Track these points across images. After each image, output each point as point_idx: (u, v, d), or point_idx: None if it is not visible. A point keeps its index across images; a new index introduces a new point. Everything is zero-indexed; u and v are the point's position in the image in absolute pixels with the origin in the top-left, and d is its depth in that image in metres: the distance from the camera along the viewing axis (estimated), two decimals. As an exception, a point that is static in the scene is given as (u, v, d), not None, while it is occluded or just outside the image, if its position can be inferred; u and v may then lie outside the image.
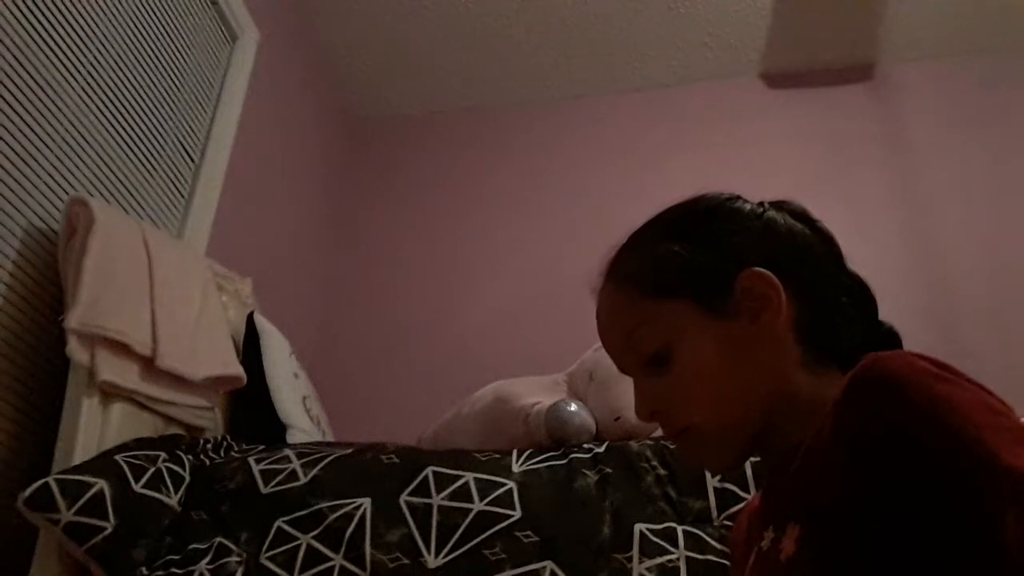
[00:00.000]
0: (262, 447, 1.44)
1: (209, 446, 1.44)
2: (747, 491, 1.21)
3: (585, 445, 1.37)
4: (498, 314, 2.64)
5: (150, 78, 1.93)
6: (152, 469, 1.28)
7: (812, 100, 2.82)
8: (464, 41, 2.82)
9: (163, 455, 1.33)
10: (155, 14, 1.96)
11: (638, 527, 1.18)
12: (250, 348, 1.80)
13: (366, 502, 1.23)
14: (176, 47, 2.05)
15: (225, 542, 1.22)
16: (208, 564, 1.18)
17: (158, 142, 1.96)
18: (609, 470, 1.26)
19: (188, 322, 1.57)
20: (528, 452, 1.35)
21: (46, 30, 1.59)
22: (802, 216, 0.72)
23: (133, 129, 1.86)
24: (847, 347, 0.65)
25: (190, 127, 2.11)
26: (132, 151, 1.85)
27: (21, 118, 1.52)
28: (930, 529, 0.47)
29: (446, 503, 1.22)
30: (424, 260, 2.84)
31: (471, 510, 1.21)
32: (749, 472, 1.22)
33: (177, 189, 2.04)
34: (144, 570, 1.18)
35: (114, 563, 1.17)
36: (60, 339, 1.37)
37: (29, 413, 1.46)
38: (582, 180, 2.86)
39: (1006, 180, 2.53)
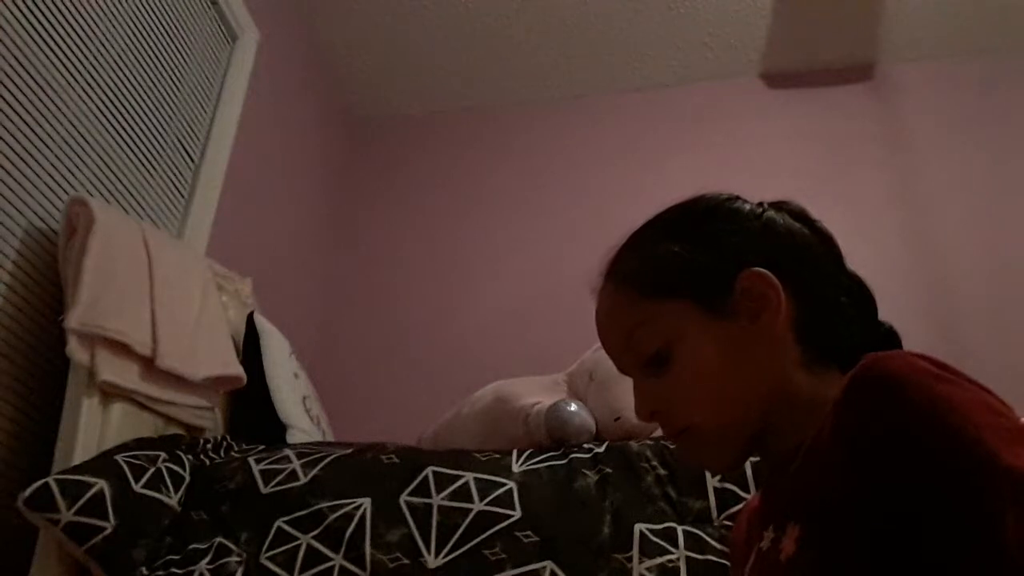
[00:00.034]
0: (262, 447, 1.44)
1: (209, 446, 1.44)
2: (747, 491, 1.21)
3: (585, 445, 1.37)
4: (498, 314, 2.64)
5: (150, 78, 1.93)
6: (152, 469, 1.28)
7: (812, 100, 2.82)
8: (464, 41, 2.82)
9: (163, 455, 1.33)
10: (155, 14, 1.96)
11: (638, 527, 1.18)
12: (250, 348, 1.80)
13: (366, 502, 1.23)
14: (176, 47, 2.05)
15: (225, 542, 1.22)
16: (208, 564, 1.18)
17: (158, 142, 1.96)
18: (609, 470, 1.26)
19: (188, 322, 1.57)
20: (528, 452, 1.35)
21: (46, 30, 1.59)
22: (801, 216, 0.72)
23: (133, 129, 1.86)
24: (847, 347, 0.65)
25: (190, 127, 2.11)
26: (132, 151, 1.85)
27: (21, 118, 1.52)
28: (930, 529, 0.47)
29: (446, 503, 1.22)
30: (424, 260, 2.84)
31: (471, 510, 1.21)
32: (749, 472, 1.22)
33: (177, 189, 2.04)
34: (144, 570, 1.18)
35: (114, 563, 1.17)
36: (60, 339, 1.37)
37: (29, 413, 1.46)
38: (582, 180, 2.86)
39: (1006, 180, 2.53)
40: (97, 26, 1.74)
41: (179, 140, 2.06)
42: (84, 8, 1.70)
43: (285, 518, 1.24)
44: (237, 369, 1.66)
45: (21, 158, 1.51)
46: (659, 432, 1.12)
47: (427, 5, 2.70)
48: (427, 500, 1.23)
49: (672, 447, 1.27)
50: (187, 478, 1.33)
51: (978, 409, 0.48)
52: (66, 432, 1.32)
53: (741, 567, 0.68)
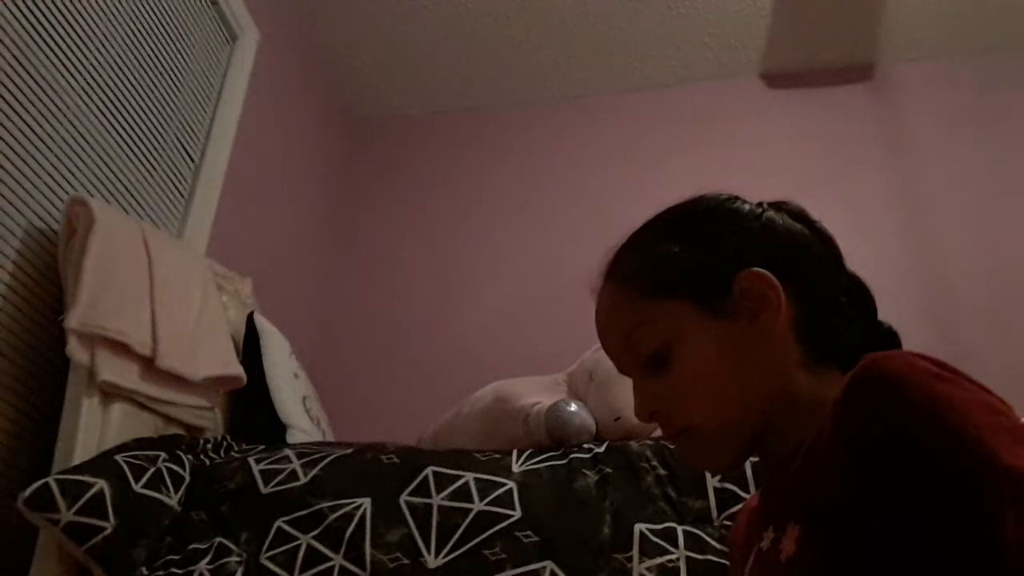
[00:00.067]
0: (262, 447, 1.44)
1: (209, 446, 1.44)
2: (747, 491, 1.21)
3: (585, 445, 1.37)
4: (498, 314, 2.64)
5: (150, 78, 1.93)
6: (152, 469, 1.28)
7: (812, 100, 2.82)
8: (464, 41, 2.82)
9: (163, 455, 1.33)
10: (155, 14, 1.96)
11: (638, 527, 1.18)
12: (250, 348, 1.80)
13: (366, 502, 1.23)
14: (176, 47, 2.05)
15: (225, 542, 1.22)
16: (208, 564, 1.18)
17: (158, 142, 1.96)
18: (609, 470, 1.26)
19: (188, 322, 1.57)
20: (528, 452, 1.35)
21: (46, 30, 1.59)
22: (801, 216, 0.72)
23: (133, 129, 1.86)
24: (846, 347, 0.65)
25: (190, 127, 2.11)
26: (132, 151, 1.85)
27: (21, 118, 1.52)
28: (930, 529, 0.47)
29: (446, 503, 1.22)
30: (424, 260, 2.84)
31: (471, 510, 1.21)
32: (749, 472, 1.22)
33: (177, 189, 2.04)
34: (144, 570, 1.18)
35: (114, 563, 1.17)
36: (60, 339, 1.37)
37: (29, 413, 1.46)
38: (582, 180, 2.86)
39: (1006, 180, 2.53)
40: (97, 26, 1.74)
41: (179, 140, 2.06)
42: (84, 8, 1.70)
43: (285, 518, 1.24)
44: (237, 369, 1.66)
45: (21, 158, 1.51)
46: (659, 432, 1.12)
47: (427, 5, 2.70)
48: (427, 500, 1.23)
49: (672, 447, 1.27)
50: (187, 478, 1.33)
51: (978, 409, 0.48)
52: (66, 432, 1.32)
53: (740, 567, 0.68)
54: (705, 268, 0.67)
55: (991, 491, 0.45)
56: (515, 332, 2.57)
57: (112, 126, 1.79)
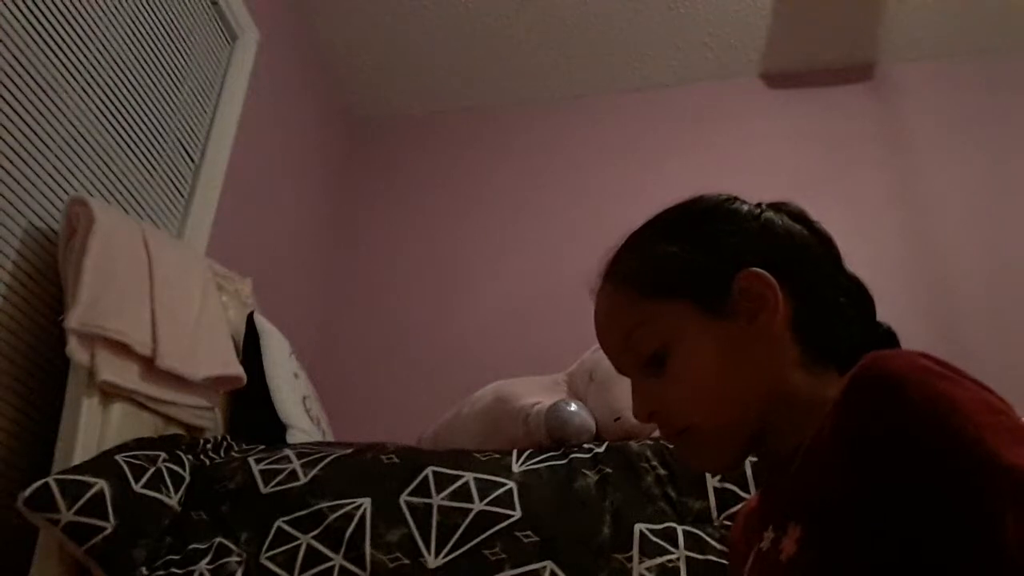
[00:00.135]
0: (262, 447, 1.44)
1: (209, 446, 1.44)
2: (747, 491, 1.21)
3: (585, 445, 1.37)
4: (498, 314, 2.64)
5: (150, 78, 1.93)
6: (152, 469, 1.28)
7: (812, 100, 2.82)
8: (464, 41, 2.82)
9: (163, 455, 1.33)
10: (155, 14, 1.96)
11: (638, 527, 1.18)
12: (250, 348, 1.80)
13: (366, 502, 1.23)
14: (176, 47, 2.05)
15: (225, 542, 1.22)
16: (208, 564, 1.18)
17: (158, 142, 1.96)
18: (609, 470, 1.26)
19: (188, 322, 1.57)
20: (528, 452, 1.35)
21: (46, 30, 1.59)
22: (800, 217, 0.72)
23: (133, 129, 1.86)
24: (845, 347, 0.65)
25: (190, 127, 2.11)
26: (132, 151, 1.85)
27: (21, 118, 1.52)
28: (930, 529, 0.47)
29: (446, 503, 1.22)
30: (424, 260, 2.84)
31: (471, 510, 1.21)
32: (749, 472, 1.22)
33: (177, 189, 2.04)
34: (144, 570, 1.18)
35: (114, 563, 1.17)
36: (60, 339, 1.37)
37: (29, 413, 1.46)
38: (582, 180, 2.86)
39: (1006, 180, 2.53)
40: (97, 26, 1.74)
41: (179, 140, 2.06)
42: (84, 8, 1.70)
43: (285, 518, 1.24)
44: (237, 369, 1.66)
45: (21, 158, 1.51)
46: (659, 432, 1.12)
47: (427, 5, 2.70)
48: (427, 500, 1.23)
49: (672, 447, 1.27)
50: (187, 478, 1.33)
51: (979, 408, 0.48)
52: (66, 432, 1.32)
53: (740, 567, 0.68)
54: (704, 268, 0.67)
55: (991, 491, 0.45)
56: (515, 332, 2.57)
57: (112, 126, 1.79)
